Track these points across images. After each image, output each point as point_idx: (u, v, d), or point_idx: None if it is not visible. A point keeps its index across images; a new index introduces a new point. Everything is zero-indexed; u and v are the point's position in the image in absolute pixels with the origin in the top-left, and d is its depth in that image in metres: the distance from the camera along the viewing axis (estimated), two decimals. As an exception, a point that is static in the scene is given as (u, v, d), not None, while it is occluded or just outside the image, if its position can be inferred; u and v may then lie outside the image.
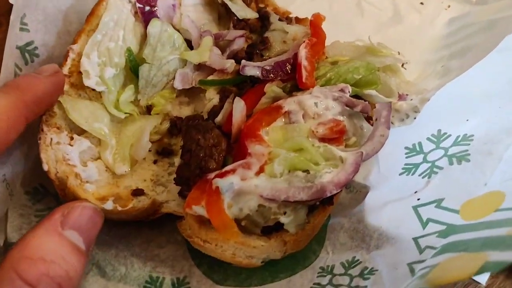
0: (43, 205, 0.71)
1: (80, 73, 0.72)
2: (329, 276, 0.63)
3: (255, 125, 0.66)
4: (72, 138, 0.69)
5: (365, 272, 0.61)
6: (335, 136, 0.67)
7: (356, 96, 0.73)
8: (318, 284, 0.63)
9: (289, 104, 0.69)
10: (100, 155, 0.71)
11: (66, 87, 0.71)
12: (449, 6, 1.01)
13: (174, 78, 0.76)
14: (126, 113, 0.73)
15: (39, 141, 0.66)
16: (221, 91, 0.74)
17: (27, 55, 0.71)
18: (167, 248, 0.70)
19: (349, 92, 0.70)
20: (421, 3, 1.02)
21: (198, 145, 0.65)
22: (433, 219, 0.63)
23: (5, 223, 0.66)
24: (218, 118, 0.70)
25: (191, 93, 0.79)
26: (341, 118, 0.68)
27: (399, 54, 0.77)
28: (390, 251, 0.62)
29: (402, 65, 0.77)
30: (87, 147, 0.70)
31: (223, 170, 0.61)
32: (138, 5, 0.80)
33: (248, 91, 0.73)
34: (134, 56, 0.77)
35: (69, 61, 0.73)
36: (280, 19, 0.84)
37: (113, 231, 0.70)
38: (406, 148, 0.76)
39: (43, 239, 0.51)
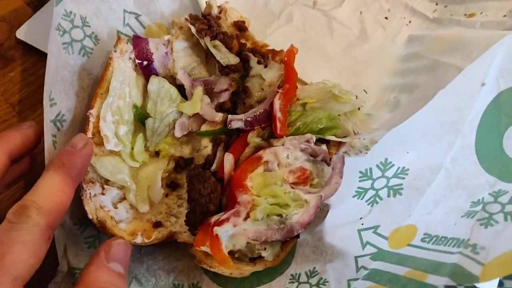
0: (89, 232, 0.94)
1: (100, 132, 0.91)
2: (296, 283, 0.89)
3: (242, 176, 0.87)
4: (103, 188, 0.89)
5: (320, 282, 0.86)
6: (301, 181, 0.89)
7: (320, 139, 0.93)
8: None
9: (267, 154, 0.89)
10: (126, 197, 0.92)
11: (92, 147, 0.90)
12: (410, 22, 1.13)
13: (174, 128, 0.95)
14: (140, 161, 0.94)
15: (82, 197, 0.87)
16: (213, 139, 0.94)
17: (58, 124, 0.89)
18: (182, 261, 0.96)
19: (313, 142, 0.90)
20: (386, 18, 1.14)
21: (200, 194, 0.87)
22: (370, 242, 0.86)
23: (66, 252, 0.90)
24: (213, 167, 0.91)
25: (188, 133, 0.98)
26: (306, 164, 0.90)
27: (356, 98, 0.94)
28: (339, 266, 0.86)
29: (359, 108, 0.95)
30: (116, 193, 0.91)
31: (220, 218, 0.83)
32: (137, 61, 0.96)
33: (235, 141, 0.92)
34: (140, 111, 0.95)
35: (90, 126, 0.89)
36: (258, 62, 0.99)
37: (143, 250, 0.95)
38: (360, 172, 0.94)
39: (97, 273, 0.71)
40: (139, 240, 0.88)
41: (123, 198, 0.92)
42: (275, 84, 0.97)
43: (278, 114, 0.90)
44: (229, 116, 0.91)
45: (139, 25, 1.06)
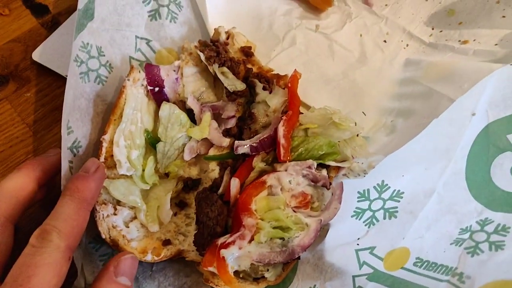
0: (103, 251, 1.01)
1: (112, 156, 0.96)
2: None
3: (247, 200, 0.94)
4: (115, 209, 0.95)
5: None
6: (303, 204, 0.95)
7: (320, 164, 0.99)
8: None
9: (271, 179, 0.95)
10: (137, 216, 0.98)
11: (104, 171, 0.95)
12: (407, 45, 1.18)
13: (183, 151, 1.01)
14: (151, 183, 1.00)
15: (95, 218, 0.94)
16: (220, 163, 1.00)
17: (74, 150, 0.95)
18: (191, 277, 1.02)
19: (314, 168, 0.96)
20: (385, 41, 1.19)
21: (207, 217, 0.93)
22: (367, 263, 0.93)
23: (83, 270, 0.96)
24: (220, 190, 0.97)
25: (197, 156, 1.04)
26: (308, 189, 0.96)
27: (355, 124, 1.00)
28: (337, 284, 0.92)
29: (357, 134, 1.01)
30: (127, 213, 0.96)
31: (226, 241, 0.90)
32: (149, 87, 1.01)
33: (240, 166, 0.98)
34: (151, 135, 1.00)
35: (103, 150, 0.95)
36: (264, 88, 1.05)
37: (154, 267, 1.02)
38: (358, 192, 0.99)
39: (107, 287, 0.79)
40: (149, 257, 0.95)
41: (134, 218, 0.98)
42: (279, 110, 1.02)
43: (282, 141, 0.96)
44: (236, 142, 0.97)
45: (150, 50, 1.11)
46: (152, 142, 1.00)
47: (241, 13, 1.20)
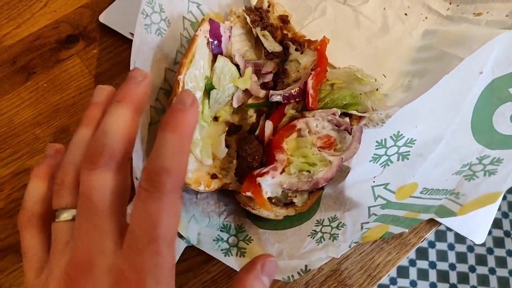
0: None
1: None
2: (320, 226, 1.11)
3: (279, 139, 1.10)
4: None
5: (339, 225, 1.07)
6: (327, 145, 1.11)
7: (344, 113, 1.15)
8: (314, 231, 1.11)
9: (300, 123, 1.10)
10: (192, 151, 1.12)
11: None
12: (426, 18, 1.32)
13: (231, 99, 1.16)
14: (209, 122, 1.14)
15: None
16: (257, 110, 1.17)
17: None
18: (230, 206, 1.18)
19: (338, 115, 1.11)
20: (405, 14, 1.34)
21: (246, 153, 1.10)
22: (381, 196, 1.07)
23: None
24: (256, 132, 1.13)
25: (240, 105, 1.21)
26: (332, 133, 1.12)
27: (376, 80, 1.15)
28: (355, 213, 1.06)
29: (377, 89, 1.16)
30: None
31: (262, 171, 1.06)
32: (210, 40, 1.15)
33: (274, 112, 1.14)
34: (210, 83, 1.14)
35: (179, 89, 1.05)
36: (296, 49, 1.21)
37: (198, 195, 1.19)
38: (376, 141, 1.12)
39: (254, 282, 0.77)
40: (202, 188, 1.10)
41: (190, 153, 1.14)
42: (309, 68, 1.18)
43: (310, 91, 1.11)
44: (271, 91, 1.14)
45: (200, 13, 1.27)
46: (209, 88, 1.14)
47: (279, -14, 1.36)
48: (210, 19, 1.19)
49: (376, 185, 1.10)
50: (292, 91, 1.13)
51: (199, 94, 1.13)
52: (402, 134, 1.12)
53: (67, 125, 1.25)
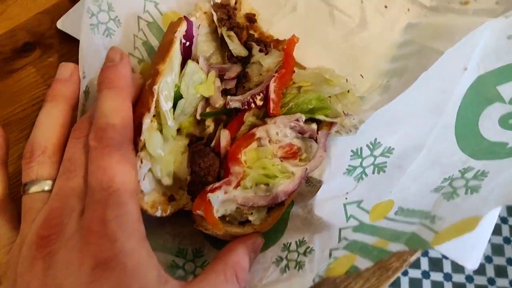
0: None
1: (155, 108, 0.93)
2: (286, 252, 0.97)
3: (236, 150, 0.97)
4: (142, 162, 0.93)
5: (307, 250, 0.92)
6: (290, 155, 0.98)
7: (312, 119, 1.02)
8: (280, 257, 0.96)
9: (260, 132, 0.97)
10: (152, 169, 0.98)
11: (148, 124, 0.91)
12: (408, 10, 1.17)
13: (196, 110, 1.04)
14: (174, 136, 1.00)
15: None
16: (215, 119, 1.05)
17: (86, 94, 0.99)
18: (187, 227, 1.07)
19: (302, 121, 0.98)
20: (385, 7, 1.20)
21: (199, 167, 0.98)
22: (353, 216, 0.93)
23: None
24: (212, 144, 1.01)
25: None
26: (295, 141, 0.99)
27: (347, 81, 1.01)
28: (325, 237, 0.92)
29: (349, 90, 1.02)
30: (147, 166, 0.96)
31: (213, 186, 0.94)
32: (183, 41, 1.02)
33: (232, 120, 1.03)
34: (178, 91, 1.00)
35: (154, 101, 0.91)
36: (260, 50, 1.09)
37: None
38: (351, 151, 1.00)
39: (244, 252, 0.87)
40: (158, 213, 0.99)
41: (149, 171, 1.02)
42: (272, 70, 1.06)
43: (272, 95, 0.99)
44: (228, 97, 1.02)
45: (157, 13, 1.17)
46: (177, 97, 1.01)
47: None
48: (185, 17, 1.07)
49: (348, 203, 0.97)
50: (252, 95, 1.01)
51: (169, 105, 0.99)
52: (379, 142, 0.99)
53: (17, 139, 1.16)
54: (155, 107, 0.94)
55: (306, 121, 0.99)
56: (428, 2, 1.15)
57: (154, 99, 0.92)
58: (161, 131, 1.00)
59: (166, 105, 0.95)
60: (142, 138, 0.91)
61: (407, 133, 0.97)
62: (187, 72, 1.02)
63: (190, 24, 1.04)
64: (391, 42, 1.15)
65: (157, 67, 0.97)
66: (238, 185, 0.94)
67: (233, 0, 1.18)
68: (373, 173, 0.97)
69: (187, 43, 1.05)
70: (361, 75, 1.13)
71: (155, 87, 0.93)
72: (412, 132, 0.97)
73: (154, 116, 0.96)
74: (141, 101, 0.98)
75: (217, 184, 0.94)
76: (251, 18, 1.18)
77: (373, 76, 1.13)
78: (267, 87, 1.01)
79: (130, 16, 1.15)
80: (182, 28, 1.02)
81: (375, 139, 1.00)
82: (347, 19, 1.19)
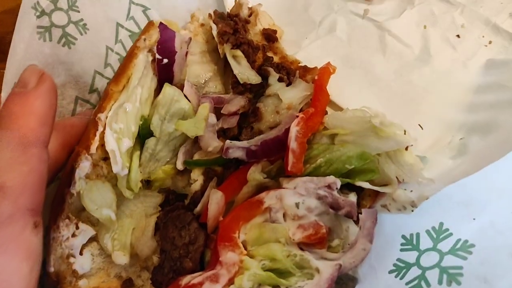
0: None
1: (103, 145, 0.69)
2: None
3: (232, 225, 0.66)
4: (77, 228, 0.68)
5: None
6: (314, 240, 0.64)
7: (348, 185, 0.68)
8: None
9: (270, 199, 0.68)
10: (98, 237, 0.70)
11: (88, 168, 0.68)
12: (490, 42, 0.87)
13: (177, 155, 0.74)
14: (136, 191, 0.71)
15: (51, 240, 0.67)
16: (206, 171, 0.72)
17: None
18: None
19: (336, 188, 0.65)
20: (458, 36, 0.89)
21: (173, 245, 0.66)
22: None
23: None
24: (197, 208, 0.69)
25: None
26: (324, 219, 0.66)
27: (405, 133, 0.69)
28: None
29: (406, 148, 0.69)
30: (88, 234, 0.69)
31: (191, 283, 0.60)
32: (157, 56, 0.75)
33: (230, 176, 0.70)
34: (146, 124, 0.73)
35: (96, 137, 0.68)
36: (280, 79, 0.77)
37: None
38: (403, 237, 0.71)
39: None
40: None
41: (93, 240, 0.71)
42: (296, 107, 0.76)
43: (293, 145, 0.69)
44: (227, 142, 0.70)
45: (146, 20, 0.90)
46: (144, 133, 0.74)
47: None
48: (161, 24, 0.78)
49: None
50: (264, 142, 0.72)
51: (127, 143, 0.70)
52: (448, 230, 0.68)
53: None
54: (102, 144, 0.68)
55: (341, 188, 0.69)
56: (519, 34, 0.84)
57: (98, 132, 0.68)
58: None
59: (114, 143, 0.68)
60: (73, 190, 0.67)
61: (497, 222, 0.66)
62: (162, 100, 0.74)
63: (168, 34, 0.77)
64: (464, 84, 0.85)
65: (108, 88, 0.72)
66: (230, 282, 0.60)
67: (246, 11, 0.88)
68: (441, 283, 0.65)
69: (165, 60, 0.76)
70: (419, 125, 0.83)
71: (100, 115, 0.69)
72: (505, 221, 0.66)
73: (104, 159, 0.69)
74: (85, 136, 0.71)
75: (197, 280, 0.61)
76: (270, 36, 0.87)
77: (437, 128, 0.82)
78: (287, 131, 0.71)
79: (105, 21, 0.86)
80: (152, 37, 0.76)
81: (441, 224, 0.69)
82: (403, 48, 0.90)
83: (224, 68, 0.86)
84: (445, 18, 0.92)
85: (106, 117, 0.68)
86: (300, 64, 0.87)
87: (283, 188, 0.67)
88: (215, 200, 0.66)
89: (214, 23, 0.83)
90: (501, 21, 0.89)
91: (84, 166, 0.66)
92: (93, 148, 0.67)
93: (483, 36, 0.90)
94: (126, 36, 0.87)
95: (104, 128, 0.68)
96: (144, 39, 0.75)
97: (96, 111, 0.70)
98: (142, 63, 0.74)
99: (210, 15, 0.84)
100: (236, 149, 0.70)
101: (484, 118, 0.77)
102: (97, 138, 0.68)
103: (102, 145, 0.68)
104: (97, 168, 0.69)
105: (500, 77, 0.81)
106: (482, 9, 0.92)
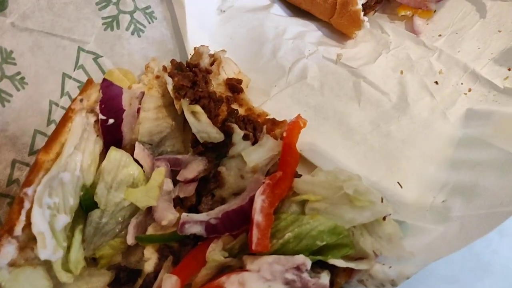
0: None
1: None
2: None
3: (186, 316, 0.57)
4: None
5: None
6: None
7: (320, 262, 0.61)
8: None
9: (231, 284, 0.60)
10: None
11: (13, 254, 0.59)
12: (469, 90, 0.82)
13: (127, 228, 0.66)
14: (77, 273, 0.62)
15: None
16: (160, 249, 0.65)
17: None
18: None
19: (306, 269, 0.58)
20: (436, 82, 0.84)
21: None
22: None
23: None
24: (151, 292, 0.60)
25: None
26: (293, 306, 0.57)
27: (382, 201, 0.62)
28: None
29: (385, 217, 0.63)
30: None
31: None
32: (101, 116, 0.68)
33: (187, 255, 0.62)
34: (89, 195, 0.65)
35: (22, 216, 0.59)
36: (245, 136, 0.70)
37: None
38: None
39: None
40: None
41: None
42: (262, 169, 0.70)
43: (258, 218, 0.64)
44: (183, 215, 0.63)
45: (98, 69, 0.83)
46: (88, 204, 0.66)
47: (237, 33, 0.93)
48: (105, 80, 0.70)
49: None
50: (225, 212, 0.65)
51: (64, 220, 0.63)
52: None
53: None
54: (29, 223, 0.60)
55: (313, 266, 0.62)
56: (500, 82, 0.81)
57: (24, 210, 0.60)
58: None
59: (44, 223, 0.60)
60: None
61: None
62: (108, 165, 0.67)
63: (114, 91, 0.71)
64: (445, 136, 0.82)
65: (36, 158, 0.65)
66: None
67: (207, 60, 0.80)
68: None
69: (111, 121, 0.70)
70: (398, 183, 0.76)
71: (27, 190, 0.61)
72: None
73: (35, 239, 0.60)
74: (7, 216, 0.62)
75: None
76: (235, 87, 0.80)
77: (418, 186, 0.78)
78: (251, 199, 0.65)
79: (48, 72, 0.78)
80: (90, 97, 0.69)
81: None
82: (380, 96, 0.86)
83: (184, 123, 0.78)
84: (422, 63, 0.88)
85: (35, 192, 0.59)
86: (268, 117, 0.80)
87: (246, 270, 0.59)
88: (169, 285, 0.58)
89: (170, 75, 0.76)
90: (479, 67, 0.86)
91: (7, 251, 0.57)
92: (18, 229, 0.58)
93: (462, 83, 0.85)
94: (75, 87, 0.80)
95: (32, 205, 0.60)
96: (81, 100, 0.68)
97: (22, 185, 0.62)
98: (80, 127, 0.67)
99: (164, 67, 0.77)
100: (194, 223, 0.62)
101: (467, 179, 0.73)
102: (22, 217, 0.59)
103: (30, 223, 0.59)
104: (26, 251, 0.60)
105: (481, 131, 0.77)
106: (460, 54, 0.89)
